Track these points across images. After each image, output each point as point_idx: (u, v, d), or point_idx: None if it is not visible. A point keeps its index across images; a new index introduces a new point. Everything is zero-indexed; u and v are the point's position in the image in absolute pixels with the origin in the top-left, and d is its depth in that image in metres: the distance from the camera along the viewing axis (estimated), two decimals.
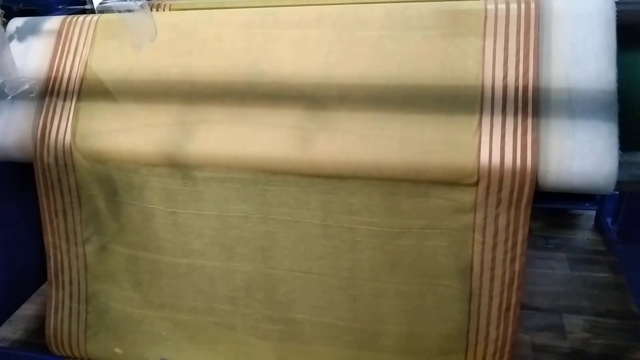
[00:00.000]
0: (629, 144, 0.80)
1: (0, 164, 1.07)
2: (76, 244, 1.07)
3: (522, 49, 0.83)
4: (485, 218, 0.84)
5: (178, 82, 0.96)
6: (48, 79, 1.02)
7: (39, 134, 1.00)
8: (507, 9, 0.85)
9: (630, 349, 1.18)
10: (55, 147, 0.99)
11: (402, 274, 0.92)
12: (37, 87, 1.00)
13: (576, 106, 0.80)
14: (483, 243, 0.85)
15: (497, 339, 0.89)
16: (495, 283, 0.87)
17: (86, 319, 1.09)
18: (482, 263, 0.86)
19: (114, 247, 1.06)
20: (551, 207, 1.70)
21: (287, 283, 0.98)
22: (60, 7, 1.25)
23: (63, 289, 1.10)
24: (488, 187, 0.82)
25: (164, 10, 1.11)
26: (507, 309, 0.87)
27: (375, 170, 0.85)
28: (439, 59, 0.85)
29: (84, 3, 1.25)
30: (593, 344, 1.20)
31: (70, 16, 1.07)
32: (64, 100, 1.00)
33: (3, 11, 1.05)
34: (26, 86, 0.94)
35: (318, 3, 0.96)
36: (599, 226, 1.62)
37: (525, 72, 0.82)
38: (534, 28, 0.83)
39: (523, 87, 0.82)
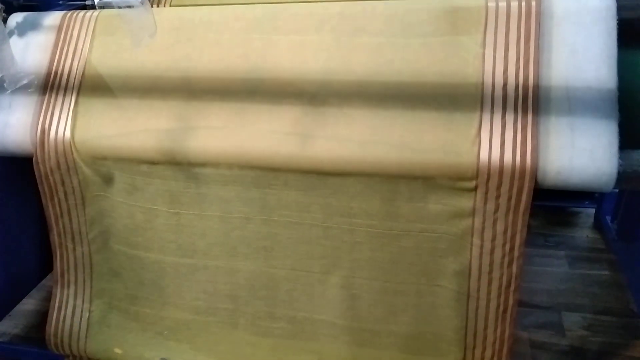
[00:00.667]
0: (629, 142, 0.80)
1: (0, 159, 1.07)
2: (82, 243, 1.08)
3: (523, 47, 0.83)
4: (483, 223, 0.84)
5: (178, 78, 0.96)
6: (48, 74, 1.02)
7: (38, 130, 1.00)
8: (508, 7, 0.85)
9: (629, 346, 1.19)
10: (55, 143, 0.99)
11: (401, 274, 0.93)
12: (35, 82, 1.00)
13: (576, 104, 0.80)
14: (481, 247, 0.86)
15: (494, 342, 0.89)
16: (493, 286, 0.87)
17: (89, 318, 1.10)
18: (480, 266, 0.87)
19: (118, 247, 1.07)
20: (550, 205, 1.70)
21: (289, 282, 0.99)
22: (60, 2, 1.25)
23: (68, 287, 1.11)
24: (486, 193, 0.82)
25: (164, 6, 1.11)
26: (504, 311, 0.88)
27: (374, 168, 0.85)
28: (438, 57, 0.85)
29: None
30: (592, 342, 1.20)
31: (71, 12, 1.06)
32: (64, 95, 1.00)
33: (3, 6, 1.04)
34: (25, 81, 0.94)
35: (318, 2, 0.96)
36: (598, 224, 1.62)
37: (526, 70, 0.82)
38: (534, 26, 0.83)
39: (523, 85, 0.81)
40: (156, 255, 1.05)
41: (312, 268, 0.97)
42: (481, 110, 0.82)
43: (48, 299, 1.38)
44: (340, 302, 0.98)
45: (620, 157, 0.78)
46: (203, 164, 0.94)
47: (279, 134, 0.89)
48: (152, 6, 1.09)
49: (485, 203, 0.83)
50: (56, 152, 1.00)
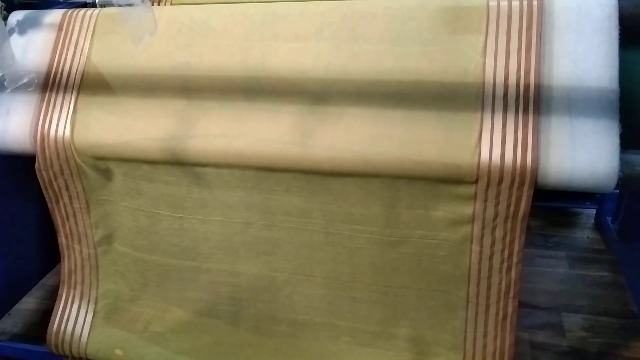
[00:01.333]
0: (630, 143, 0.80)
1: (0, 157, 1.07)
2: (88, 245, 1.09)
3: (524, 46, 0.82)
4: (482, 229, 0.85)
5: (179, 77, 0.96)
6: (48, 72, 1.02)
7: (38, 130, 1.00)
8: (509, 6, 0.85)
9: (629, 348, 1.19)
10: (55, 143, 0.99)
11: (401, 279, 0.94)
12: (36, 81, 1.00)
13: (577, 104, 0.80)
14: (480, 253, 0.86)
15: (494, 352, 0.90)
16: (492, 291, 0.88)
17: (93, 318, 1.11)
18: (479, 272, 0.88)
19: (124, 249, 1.09)
20: (551, 206, 1.70)
21: (291, 285, 1.00)
22: (61, 0, 1.25)
23: (75, 288, 1.12)
24: (486, 201, 0.83)
25: (165, 4, 1.11)
26: (504, 318, 0.88)
27: (374, 167, 0.85)
28: (439, 64, 0.85)
29: None
30: (592, 343, 1.20)
31: (71, 10, 1.06)
32: (64, 94, 1.00)
33: (4, 4, 1.04)
34: (25, 79, 0.94)
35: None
36: (599, 225, 1.62)
37: (527, 70, 0.82)
38: (536, 25, 0.83)
39: (524, 86, 0.81)
40: (160, 257, 1.06)
41: (313, 272, 0.98)
42: (482, 112, 0.82)
43: (48, 297, 1.39)
44: (341, 305, 0.99)
45: (621, 158, 0.78)
46: (204, 164, 0.94)
47: (279, 134, 0.89)
48: (152, 4, 1.09)
49: (484, 210, 0.84)
50: (57, 155, 1.00)
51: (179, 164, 0.96)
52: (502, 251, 0.85)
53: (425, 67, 0.85)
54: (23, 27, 1.06)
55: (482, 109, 0.82)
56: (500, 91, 0.82)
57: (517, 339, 0.89)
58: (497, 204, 0.83)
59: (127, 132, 0.95)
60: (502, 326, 0.88)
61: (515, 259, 0.85)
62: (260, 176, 0.93)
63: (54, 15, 1.06)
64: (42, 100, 1.01)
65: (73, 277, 1.11)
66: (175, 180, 0.98)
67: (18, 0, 1.15)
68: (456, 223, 0.87)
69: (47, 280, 1.43)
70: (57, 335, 1.10)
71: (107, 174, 1.02)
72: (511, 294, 0.87)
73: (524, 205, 0.81)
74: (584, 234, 1.61)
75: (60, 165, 1.01)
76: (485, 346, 0.90)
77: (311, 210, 0.93)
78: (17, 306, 1.35)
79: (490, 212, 0.83)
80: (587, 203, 1.68)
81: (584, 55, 0.81)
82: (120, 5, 0.89)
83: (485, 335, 0.90)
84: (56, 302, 1.12)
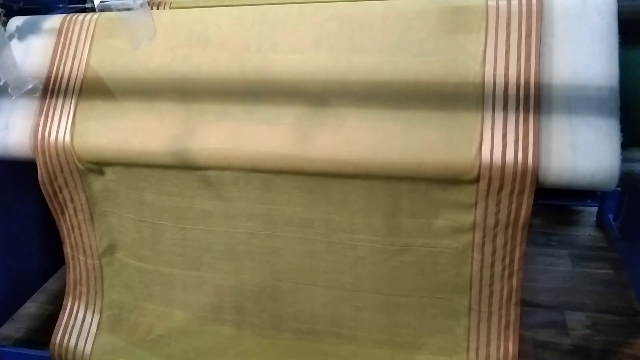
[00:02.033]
0: (631, 140, 0.79)
1: (1, 163, 1.07)
2: (93, 256, 1.10)
3: (524, 45, 0.82)
4: (483, 237, 0.86)
5: (178, 81, 0.96)
6: (48, 77, 1.02)
7: (39, 134, 1.00)
8: (509, 5, 0.85)
9: (633, 345, 1.19)
10: (56, 148, 0.99)
11: (403, 287, 0.95)
12: (40, 87, 1.00)
13: (578, 102, 0.80)
14: (482, 260, 0.87)
15: None
16: (494, 298, 0.89)
17: (97, 329, 1.11)
18: (480, 279, 0.89)
19: (128, 260, 1.09)
20: (553, 204, 1.70)
21: (294, 294, 1.01)
22: (60, 5, 1.25)
23: (80, 299, 1.12)
24: (486, 209, 0.83)
25: (164, 8, 1.11)
26: (507, 326, 0.89)
27: (376, 168, 0.85)
28: (438, 75, 0.85)
29: (85, 2, 1.24)
30: (595, 341, 1.21)
31: (70, 15, 1.06)
32: (64, 99, 1.00)
33: (3, 10, 1.04)
34: (30, 85, 0.94)
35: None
36: (600, 223, 1.62)
37: (527, 69, 0.81)
38: (535, 24, 0.83)
39: (525, 84, 0.81)
40: (164, 268, 1.07)
41: (316, 281, 0.99)
42: (483, 112, 0.82)
43: (50, 302, 1.39)
44: (343, 314, 1.00)
45: (622, 156, 0.78)
46: (205, 168, 0.94)
47: (279, 137, 0.89)
48: (151, 9, 1.09)
49: (485, 218, 0.84)
50: (58, 161, 1.00)
51: (180, 169, 0.96)
52: (504, 259, 0.86)
53: (425, 77, 0.85)
54: (22, 33, 1.06)
55: (483, 109, 0.82)
56: (500, 91, 0.82)
57: (520, 338, 0.89)
58: (497, 212, 0.83)
59: (127, 136, 0.95)
60: (505, 334, 0.89)
61: (516, 266, 0.86)
62: (262, 187, 0.94)
63: (53, 21, 1.06)
64: (42, 106, 1.01)
65: (78, 287, 1.12)
66: (178, 191, 0.99)
67: (17, 6, 1.14)
68: (457, 231, 0.87)
69: (50, 285, 1.43)
70: (61, 345, 1.10)
71: (110, 186, 1.03)
72: (513, 300, 0.88)
73: (524, 212, 0.82)
74: (586, 231, 1.61)
75: (65, 178, 1.02)
76: (488, 356, 0.91)
77: (313, 220, 0.94)
78: (19, 311, 1.35)
79: (491, 220, 0.84)
80: (589, 201, 1.68)
81: (584, 53, 0.81)
82: (119, 10, 0.89)
83: (488, 345, 0.90)
84: (60, 312, 1.12)
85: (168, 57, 0.97)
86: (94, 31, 1.03)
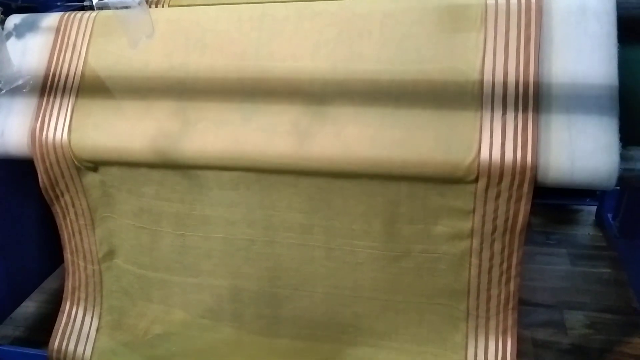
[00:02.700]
0: (630, 139, 0.79)
1: (1, 162, 1.07)
2: (92, 262, 1.10)
3: (523, 44, 0.82)
4: (481, 244, 0.86)
5: (177, 79, 0.95)
6: (46, 75, 1.02)
7: (36, 132, 0.99)
8: (508, 4, 0.85)
9: (631, 344, 1.19)
10: (54, 146, 0.99)
11: (402, 293, 0.95)
12: (30, 82, 0.99)
13: (577, 101, 0.80)
14: (479, 266, 0.88)
15: None
16: (492, 303, 0.90)
17: (97, 335, 1.12)
18: (478, 284, 0.90)
19: (127, 267, 1.10)
20: (552, 203, 1.70)
21: (293, 301, 1.02)
22: (59, 3, 1.24)
23: (78, 304, 1.13)
24: (484, 215, 0.84)
25: (163, 6, 1.11)
26: (505, 331, 0.90)
27: (373, 166, 0.85)
28: (438, 77, 0.85)
29: (83, 0, 1.24)
30: (594, 340, 1.21)
31: (68, 13, 1.06)
32: (62, 97, 1.00)
33: (1, 8, 1.04)
34: (20, 81, 0.93)
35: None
36: (599, 222, 1.62)
37: (526, 67, 0.81)
38: (534, 23, 0.83)
39: (524, 82, 0.81)
40: (163, 274, 1.07)
41: (315, 288, 0.99)
42: (482, 111, 0.82)
43: (49, 301, 1.39)
44: (342, 320, 1.00)
45: (622, 155, 0.78)
46: (201, 167, 0.94)
47: (278, 130, 0.89)
48: (150, 7, 1.09)
49: (483, 224, 0.85)
50: (57, 160, 1.00)
51: (181, 174, 0.96)
52: (501, 264, 0.87)
53: (423, 85, 0.85)
54: (20, 31, 1.06)
55: (482, 108, 0.82)
56: (499, 91, 0.82)
57: (519, 337, 0.89)
58: (495, 219, 0.84)
59: (124, 135, 0.95)
60: (503, 340, 0.90)
61: (513, 271, 0.87)
62: (262, 193, 0.94)
63: (51, 19, 1.06)
64: (40, 104, 1.01)
65: (77, 293, 1.12)
66: (178, 197, 0.99)
67: (15, 4, 1.14)
68: (456, 237, 0.88)
69: (48, 283, 1.43)
70: (60, 350, 1.10)
71: (110, 191, 1.03)
72: (510, 305, 0.89)
73: (521, 219, 0.83)
74: (585, 230, 1.61)
75: (66, 183, 1.03)
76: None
77: (312, 227, 0.94)
78: (18, 310, 1.35)
79: (488, 226, 0.85)
80: (588, 200, 1.68)
81: (583, 52, 0.81)
82: (117, 8, 0.89)
83: (486, 350, 0.91)
84: (58, 317, 1.12)
85: (166, 56, 0.97)
86: (92, 29, 1.02)
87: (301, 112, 0.88)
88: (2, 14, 1.04)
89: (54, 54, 1.02)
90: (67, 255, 1.11)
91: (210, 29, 0.96)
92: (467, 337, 0.92)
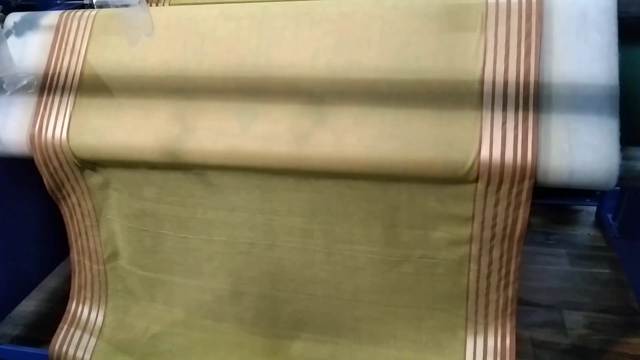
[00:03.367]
0: (630, 139, 0.79)
1: (1, 161, 1.06)
2: (98, 262, 1.11)
3: (524, 44, 0.82)
4: (480, 250, 0.87)
5: (177, 78, 0.95)
6: (46, 74, 1.02)
7: (36, 131, 0.99)
8: (508, 3, 0.84)
9: (631, 345, 1.19)
10: (53, 145, 0.99)
11: (402, 298, 0.96)
12: (35, 83, 0.99)
13: (577, 101, 0.80)
14: (478, 272, 0.89)
15: None
16: (490, 308, 0.90)
17: (100, 333, 1.13)
18: (477, 290, 0.90)
19: (130, 268, 1.11)
20: (552, 203, 1.70)
21: (293, 304, 1.02)
22: (58, 1, 1.25)
23: (84, 303, 1.14)
24: (483, 222, 0.85)
25: (163, 4, 1.11)
26: (503, 337, 0.90)
27: (372, 166, 0.85)
28: (437, 86, 0.84)
29: None
30: (593, 340, 1.21)
31: (68, 11, 1.06)
32: (61, 96, 1.00)
33: (1, 6, 1.04)
34: (24, 82, 0.93)
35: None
36: (599, 222, 1.62)
37: (527, 67, 0.81)
38: (535, 23, 0.82)
39: (524, 83, 0.81)
40: (165, 276, 1.08)
41: (315, 291, 1.00)
42: (482, 111, 0.82)
43: (48, 299, 1.39)
44: (342, 324, 1.01)
45: (621, 155, 0.78)
46: (202, 166, 0.94)
47: (277, 128, 0.89)
48: (150, 5, 1.08)
49: (482, 231, 0.86)
50: (59, 162, 1.00)
51: (183, 176, 0.97)
52: (500, 270, 0.88)
53: (423, 87, 0.85)
54: (20, 29, 1.06)
55: (482, 108, 0.82)
56: (499, 91, 0.81)
57: (518, 338, 0.89)
58: (494, 225, 0.84)
59: (124, 134, 0.95)
60: (501, 346, 0.90)
61: (512, 277, 0.88)
62: (263, 197, 0.94)
63: (51, 17, 1.06)
64: (40, 103, 1.01)
65: (82, 292, 1.14)
66: (179, 201, 1.00)
67: (15, 2, 1.14)
68: (455, 243, 0.89)
69: (47, 282, 1.43)
70: (61, 348, 1.10)
71: (113, 194, 1.04)
72: (509, 311, 0.90)
73: (520, 226, 0.83)
74: (585, 231, 1.61)
75: (72, 185, 1.04)
76: None
77: (313, 231, 0.95)
78: (17, 308, 1.35)
79: (487, 233, 0.85)
80: (588, 200, 1.68)
81: (584, 52, 0.81)
82: (117, 7, 0.88)
83: (484, 357, 0.91)
84: (64, 316, 1.13)
85: (166, 55, 0.97)
86: (91, 28, 1.02)
87: (300, 115, 0.88)
88: (1, 12, 1.04)
89: (54, 52, 1.02)
90: (74, 255, 1.12)
91: (208, 37, 0.96)
92: (465, 343, 0.93)
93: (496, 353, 0.90)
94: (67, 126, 0.98)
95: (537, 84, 0.80)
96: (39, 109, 1.00)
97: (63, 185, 1.04)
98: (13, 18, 1.07)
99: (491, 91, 0.82)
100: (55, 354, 1.10)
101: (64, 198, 1.06)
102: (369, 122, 0.85)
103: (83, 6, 1.15)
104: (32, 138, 0.99)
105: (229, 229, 0.99)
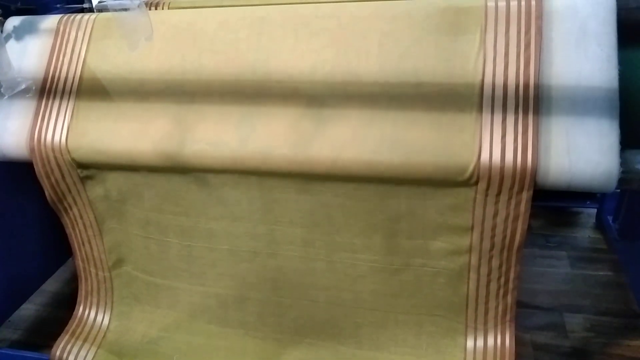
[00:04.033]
0: (630, 142, 0.79)
1: (1, 164, 1.06)
2: (103, 269, 1.13)
3: (523, 46, 0.82)
4: (479, 259, 0.88)
5: (176, 82, 0.95)
6: (45, 78, 1.02)
7: (35, 136, 1.00)
8: (508, 6, 0.84)
9: (632, 347, 1.18)
10: (52, 149, 0.99)
11: (402, 305, 0.97)
12: (34, 87, 1.00)
13: (577, 103, 0.80)
14: (478, 280, 0.90)
15: None
16: (490, 315, 0.92)
17: (103, 338, 1.13)
18: (477, 298, 0.91)
19: (136, 274, 1.12)
20: (552, 205, 1.69)
21: (295, 310, 1.04)
22: (58, 5, 1.24)
23: (90, 308, 1.16)
24: (482, 232, 0.86)
25: (162, 8, 1.11)
26: (502, 343, 0.92)
27: (371, 169, 0.85)
28: (436, 97, 0.85)
29: (82, 2, 1.24)
30: (594, 343, 1.21)
31: (68, 15, 1.06)
32: (61, 99, 1.00)
33: (0, 10, 1.04)
34: (23, 86, 0.93)
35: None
36: (599, 224, 1.62)
37: (526, 70, 0.81)
38: (534, 25, 0.82)
39: (524, 85, 0.81)
40: (170, 282, 1.10)
41: (317, 298, 1.01)
42: (481, 114, 0.82)
43: (48, 304, 1.39)
44: (343, 329, 1.02)
45: (621, 157, 0.78)
46: (202, 169, 0.94)
47: (277, 130, 0.89)
48: (150, 9, 1.08)
49: (481, 241, 0.86)
50: (58, 167, 1.00)
51: (179, 172, 0.96)
52: (499, 279, 0.89)
53: (421, 105, 0.85)
54: (19, 33, 1.06)
55: (482, 111, 0.82)
56: (499, 93, 0.81)
57: (519, 341, 0.89)
58: (493, 236, 0.85)
59: (123, 138, 0.95)
60: (500, 352, 0.91)
61: (511, 285, 0.89)
62: (264, 208, 0.95)
63: (50, 21, 1.06)
64: (39, 107, 1.01)
65: (89, 298, 1.15)
66: (182, 211, 1.01)
67: (15, 6, 1.14)
68: (454, 253, 0.90)
69: (47, 286, 1.42)
70: (63, 352, 1.10)
71: (116, 205, 1.05)
72: (508, 317, 0.91)
73: (519, 237, 0.84)
74: (585, 233, 1.60)
75: (73, 198, 1.05)
76: None
77: (314, 241, 0.96)
78: (17, 313, 1.34)
79: (486, 243, 0.86)
80: (588, 202, 1.68)
81: (583, 54, 0.81)
82: (116, 10, 0.88)
83: None
84: (70, 320, 1.14)
85: (166, 59, 0.97)
86: (91, 31, 1.02)
87: (300, 126, 0.89)
88: (1, 15, 1.04)
89: (53, 56, 1.03)
90: (79, 263, 1.13)
91: (206, 49, 0.95)
92: (465, 349, 0.94)
93: (495, 357, 0.91)
94: (66, 130, 0.98)
95: (537, 87, 0.80)
96: (39, 113, 1.00)
97: (64, 197, 1.05)
98: (12, 22, 1.07)
99: (491, 94, 0.82)
100: (57, 357, 1.10)
101: (65, 210, 1.07)
102: (367, 132, 0.85)
103: (83, 10, 1.15)
104: (31, 142, 1.00)
105: (231, 239, 1.00)
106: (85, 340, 1.12)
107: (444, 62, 0.84)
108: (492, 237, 0.85)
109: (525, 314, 1.27)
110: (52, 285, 1.43)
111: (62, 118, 0.99)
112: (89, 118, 0.98)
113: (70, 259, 1.43)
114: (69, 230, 1.10)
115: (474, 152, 0.81)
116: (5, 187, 1.19)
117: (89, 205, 1.05)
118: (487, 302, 0.91)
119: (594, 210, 1.66)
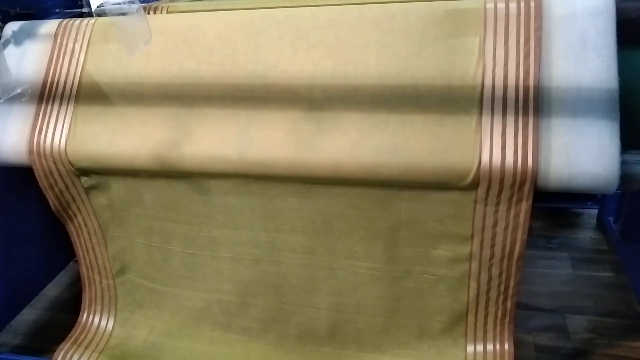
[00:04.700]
0: (631, 143, 0.79)
1: (1, 169, 1.06)
2: (107, 277, 1.14)
3: (523, 48, 0.82)
4: (479, 267, 0.89)
5: (174, 86, 0.95)
6: (44, 83, 1.02)
7: (34, 140, 1.00)
8: (507, 8, 0.84)
9: (634, 348, 1.18)
10: (52, 154, 0.99)
11: (403, 311, 0.98)
12: (29, 91, 1.00)
13: (577, 105, 0.80)
14: (478, 288, 0.91)
15: None
16: (489, 319, 0.93)
17: (106, 344, 1.14)
18: (477, 305, 0.93)
19: (140, 281, 1.13)
20: (553, 207, 1.69)
21: (298, 316, 1.05)
22: (57, 10, 1.25)
23: (94, 315, 1.17)
24: (482, 241, 0.86)
25: (161, 13, 1.11)
26: (502, 344, 0.93)
27: (372, 172, 0.86)
28: (435, 108, 0.85)
29: (81, 7, 1.24)
30: (597, 344, 1.20)
31: (67, 20, 1.06)
32: (60, 105, 1.00)
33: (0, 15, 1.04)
34: (18, 90, 0.94)
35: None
36: (601, 225, 1.62)
37: (526, 72, 0.81)
38: (534, 27, 0.83)
39: (524, 87, 0.81)
40: (174, 289, 1.10)
41: (319, 305, 1.02)
42: (481, 116, 0.82)
43: (49, 308, 1.39)
44: (346, 335, 1.03)
45: (622, 159, 0.78)
46: (200, 174, 0.94)
47: (276, 134, 0.90)
48: (148, 13, 1.08)
49: (481, 250, 0.87)
50: (58, 172, 1.01)
51: (177, 176, 0.97)
52: (499, 286, 0.90)
53: (420, 120, 0.85)
54: (18, 38, 1.06)
55: (481, 119, 0.82)
56: (499, 95, 0.82)
57: (521, 342, 0.89)
58: (493, 245, 0.86)
59: (122, 143, 0.96)
60: (500, 353, 0.92)
61: (511, 292, 0.90)
62: (267, 217, 0.96)
63: (49, 26, 1.06)
64: (38, 112, 1.01)
65: (93, 305, 1.16)
66: (185, 219, 1.01)
67: (14, 11, 1.14)
68: (455, 261, 0.90)
69: (48, 291, 1.42)
70: (67, 353, 1.10)
71: (120, 214, 1.06)
72: (507, 319, 0.92)
73: (518, 247, 0.85)
74: (586, 234, 1.60)
75: (78, 207, 1.06)
76: None
77: (316, 248, 0.96)
78: (17, 317, 1.34)
79: (486, 252, 0.87)
80: (589, 203, 1.68)
81: (583, 56, 0.81)
82: (115, 15, 0.88)
83: None
84: (74, 327, 1.15)
85: (164, 61, 0.97)
86: (90, 36, 1.02)
87: (299, 136, 0.89)
88: (0, 21, 1.04)
89: (52, 61, 1.03)
90: (83, 270, 1.14)
91: (204, 60, 0.95)
92: (466, 351, 0.95)
93: (495, 358, 0.92)
94: (65, 134, 0.98)
95: (537, 88, 0.80)
96: (38, 118, 1.01)
97: (69, 206, 1.06)
98: (12, 27, 1.07)
99: (491, 96, 0.82)
100: (61, 357, 1.10)
101: (70, 218, 1.08)
102: (368, 139, 0.86)
103: (81, 15, 1.15)
104: (30, 147, 1.00)
105: (234, 246, 1.01)
106: (87, 347, 1.12)
107: (443, 73, 0.84)
108: (492, 246, 0.86)
109: (527, 315, 1.27)
110: (52, 289, 1.44)
111: (61, 123, 0.99)
112: (88, 123, 0.98)
113: (71, 263, 1.43)
114: (73, 237, 1.11)
115: (475, 154, 0.81)
116: (6, 192, 1.19)
117: (93, 214, 1.06)
118: (487, 307, 0.92)
119: (595, 211, 1.66)
